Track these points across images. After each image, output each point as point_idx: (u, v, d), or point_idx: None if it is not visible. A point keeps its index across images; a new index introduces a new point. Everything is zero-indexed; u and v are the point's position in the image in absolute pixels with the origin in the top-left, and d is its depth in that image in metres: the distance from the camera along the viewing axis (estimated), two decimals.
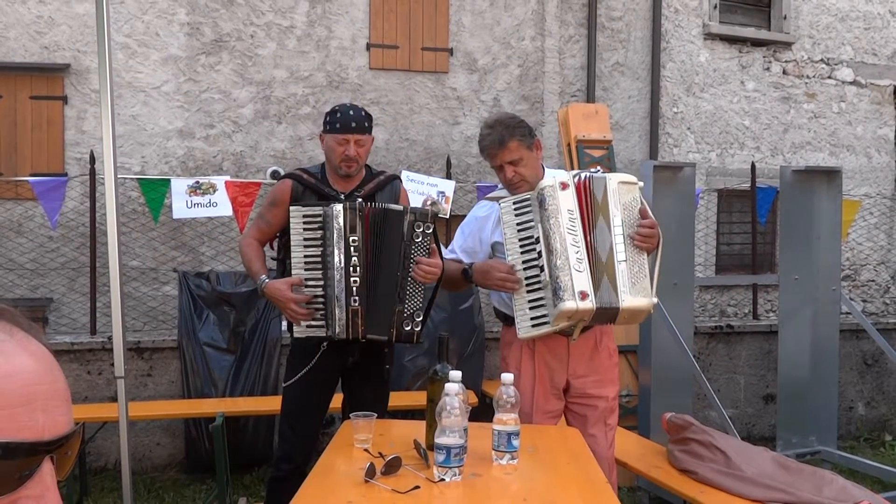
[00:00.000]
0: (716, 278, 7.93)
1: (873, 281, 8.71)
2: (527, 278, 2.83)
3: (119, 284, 3.13)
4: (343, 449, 2.44)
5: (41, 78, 6.46)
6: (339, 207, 2.88)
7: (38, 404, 0.65)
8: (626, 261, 2.77)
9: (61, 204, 5.47)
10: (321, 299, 2.90)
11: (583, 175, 2.93)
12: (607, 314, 2.79)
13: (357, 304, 2.87)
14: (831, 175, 5.37)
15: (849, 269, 8.42)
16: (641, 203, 2.86)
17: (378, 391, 3.13)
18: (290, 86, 6.98)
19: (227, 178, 5.82)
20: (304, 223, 2.90)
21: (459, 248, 3.11)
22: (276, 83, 6.95)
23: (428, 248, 2.92)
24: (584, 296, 2.72)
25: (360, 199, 2.99)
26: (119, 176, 3.78)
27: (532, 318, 2.82)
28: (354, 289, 2.87)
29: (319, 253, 2.90)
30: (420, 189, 5.88)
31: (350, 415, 2.54)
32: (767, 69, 8.33)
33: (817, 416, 5.26)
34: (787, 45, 8.36)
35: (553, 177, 3.01)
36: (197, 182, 5.55)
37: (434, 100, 7.33)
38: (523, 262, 2.84)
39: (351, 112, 3.03)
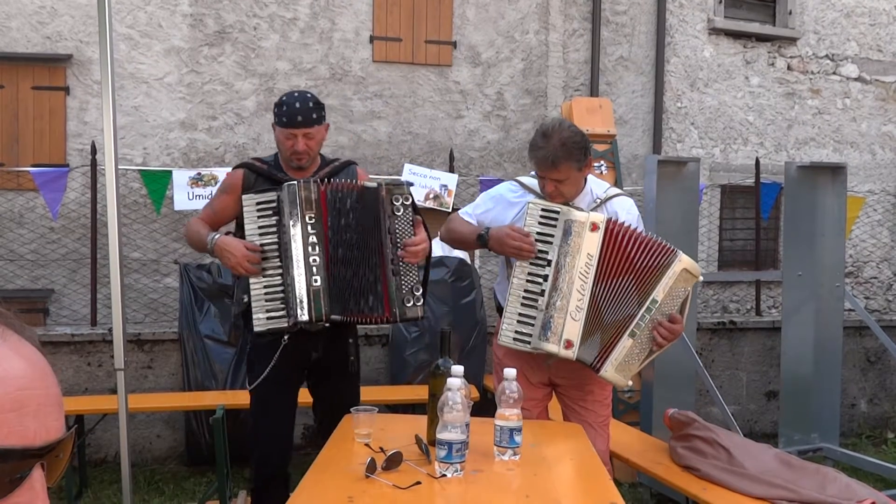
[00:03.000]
0: (718, 274, 7.91)
1: (876, 278, 8.69)
2: (526, 290, 2.80)
3: (120, 276, 3.12)
4: (343, 443, 2.43)
5: (43, 68, 6.43)
6: (292, 186, 2.73)
7: (30, 410, 0.63)
8: (633, 340, 2.71)
9: (62, 195, 5.46)
10: (280, 288, 2.77)
11: (621, 219, 2.82)
12: (583, 364, 2.79)
13: (318, 284, 2.74)
14: (836, 171, 5.35)
15: (852, 266, 8.39)
16: (686, 298, 2.75)
17: (346, 385, 3.00)
18: (293, 78, 6.95)
19: (229, 169, 5.78)
20: (259, 210, 2.77)
21: (477, 218, 3.03)
22: (279, 75, 6.92)
23: (411, 221, 2.74)
24: (568, 345, 2.73)
25: (313, 179, 2.82)
26: (120, 167, 3.76)
27: (516, 332, 2.81)
28: (315, 268, 2.74)
29: (276, 240, 2.77)
30: (423, 182, 5.86)
31: (351, 409, 2.51)
32: (772, 65, 8.29)
33: (820, 413, 5.25)
34: (792, 40, 8.32)
35: (591, 191, 2.93)
36: (199, 174, 5.54)
37: (437, 93, 7.30)
38: (529, 273, 2.80)
39: (297, 104, 2.81)
